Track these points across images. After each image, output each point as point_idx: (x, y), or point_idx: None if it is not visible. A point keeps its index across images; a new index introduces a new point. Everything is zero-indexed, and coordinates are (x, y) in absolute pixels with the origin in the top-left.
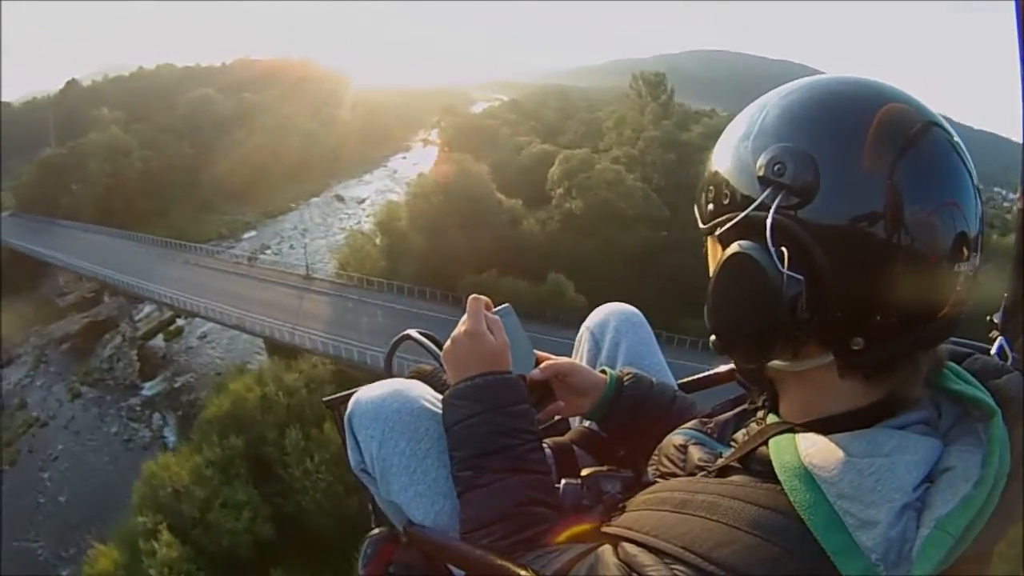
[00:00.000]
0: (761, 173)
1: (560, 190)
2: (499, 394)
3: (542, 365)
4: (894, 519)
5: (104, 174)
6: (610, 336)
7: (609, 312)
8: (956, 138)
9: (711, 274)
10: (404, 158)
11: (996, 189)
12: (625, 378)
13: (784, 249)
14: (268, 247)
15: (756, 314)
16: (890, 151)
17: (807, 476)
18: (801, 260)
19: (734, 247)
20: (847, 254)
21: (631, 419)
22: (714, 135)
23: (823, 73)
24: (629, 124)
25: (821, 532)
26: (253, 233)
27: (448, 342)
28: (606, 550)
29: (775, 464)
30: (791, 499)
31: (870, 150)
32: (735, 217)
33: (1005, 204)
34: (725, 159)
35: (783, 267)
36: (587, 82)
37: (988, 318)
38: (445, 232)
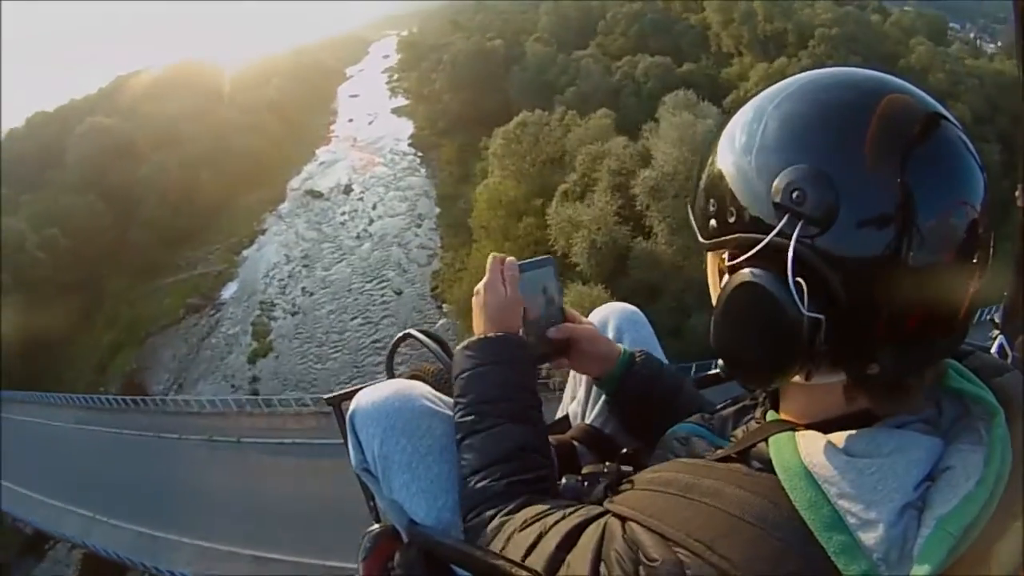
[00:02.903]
0: (778, 199)
1: None
2: (509, 351)
3: (562, 326)
4: (895, 519)
5: None
6: (611, 335)
7: (609, 311)
8: (962, 132)
9: (716, 294)
10: (351, 121)
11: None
12: (637, 355)
13: (802, 282)
14: (272, 304)
15: (772, 348)
16: (895, 154)
17: (808, 476)
18: (820, 293)
19: (746, 275)
20: (865, 280)
21: (639, 395)
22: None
23: None
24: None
25: (822, 532)
26: (234, 288)
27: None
28: (615, 525)
29: (775, 462)
30: (791, 498)
31: (874, 155)
32: (745, 241)
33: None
34: (728, 169)
35: (804, 303)
36: None
37: (988, 318)
38: None
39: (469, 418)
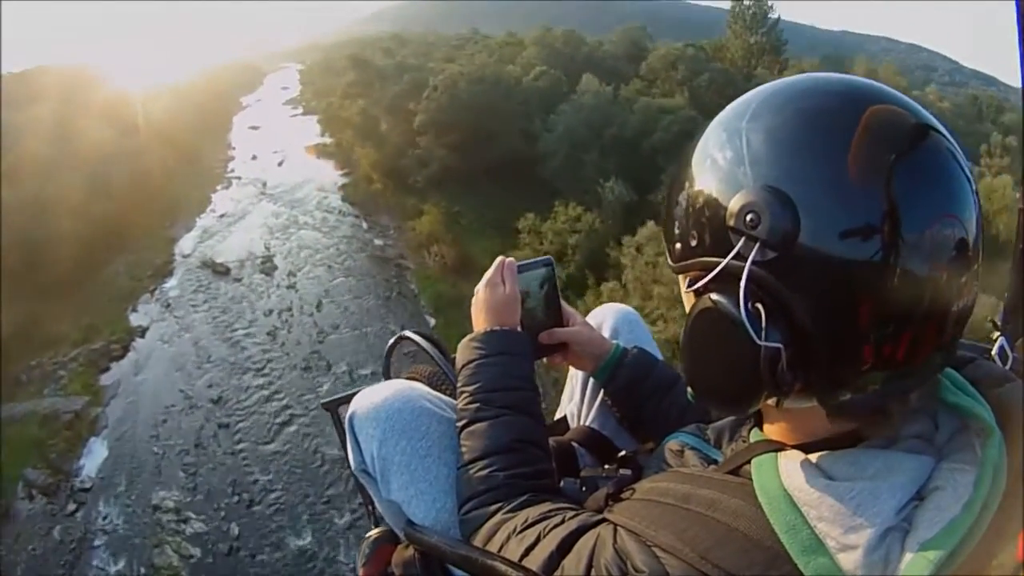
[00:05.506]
0: (732, 223)
1: None
2: (514, 344)
3: (552, 331)
4: (876, 543)
5: None
6: (607, 335)
7: (605, 312)
8: (952, 143)
9: (686, 320)
10: (255, 158)
11: None
12: (631, 350)
13: (760, 307)
14: (179, 516)
15: (733, 377)
16: (881, 164)
17: (787, 499)
18: (780, 318)
19: (706, 300)
20: (832, 303)
21: (630, 385)
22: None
23: None
24: None
25: (800, 556)
26: (102, 454)
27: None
28: (607, 534)
29: (756, 486)
30: (771, 521)
31: (857, 166)
32: (707, 264)
33: None
34: (693, 192)
35: (761, 328)
36: (387, 27)
37: (988, 318)
38: None
39: (474, 406)
